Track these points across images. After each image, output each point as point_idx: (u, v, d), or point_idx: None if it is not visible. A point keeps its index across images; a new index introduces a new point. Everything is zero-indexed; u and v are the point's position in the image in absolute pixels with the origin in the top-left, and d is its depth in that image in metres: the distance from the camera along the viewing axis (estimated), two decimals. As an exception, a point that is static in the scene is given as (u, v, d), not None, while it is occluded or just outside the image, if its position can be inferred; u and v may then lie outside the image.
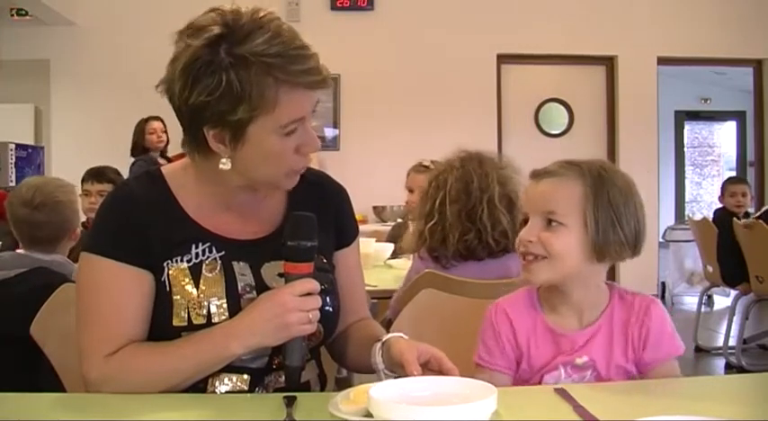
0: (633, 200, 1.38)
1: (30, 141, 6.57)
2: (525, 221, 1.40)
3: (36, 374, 1.80)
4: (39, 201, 2.32)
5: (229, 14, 1.22)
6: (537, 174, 1.42)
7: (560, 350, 1.39)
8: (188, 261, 1.30)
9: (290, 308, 1.21)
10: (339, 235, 1.49)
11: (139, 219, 1.30)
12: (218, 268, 1.31)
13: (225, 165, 1.26)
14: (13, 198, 2.37)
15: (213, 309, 1.28)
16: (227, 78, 1.18)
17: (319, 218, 1.28)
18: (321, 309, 1.26)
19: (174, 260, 1.30)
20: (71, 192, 2.44)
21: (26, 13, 6.47)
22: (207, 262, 1.31)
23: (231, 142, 1.24)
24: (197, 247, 1.32)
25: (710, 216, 5.34)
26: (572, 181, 1.37)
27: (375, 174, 6.22)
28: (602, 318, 1.40)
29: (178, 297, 1.28)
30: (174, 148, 5.47)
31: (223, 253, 1.32)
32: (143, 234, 1.29)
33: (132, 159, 5.43)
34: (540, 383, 1.38)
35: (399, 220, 4.16)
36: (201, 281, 1.29)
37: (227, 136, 1.24)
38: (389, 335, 1.34)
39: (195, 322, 1.27)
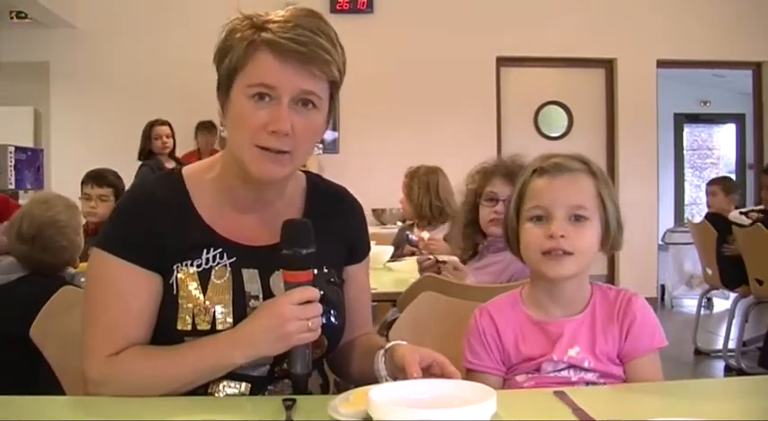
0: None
1: (29, 144, 6.58)
2: (538, 218, 1.39)
3: (35, 376, 1.80)
4: (40, 245, 2.24)
5: None
6: (551, 170, 1.42)
7: (549, 338, 1.39)
8: (198, 266, 1.30)
9: (288, 318, 1.20)
10: (351, 251, 1.47)
11: (155, 223, 1.30)
12: (227, 275, 1.31)
13: (223, 132, 1.31)
14: (12, 228, 2.27)
15: (219, 316, 1.28)
16: (230, 41, 1.27)
17: (332, 230, 1.28)
18: (327, 323, 1.26)
19: (183, 264, 1.30)
20: (76, 231, 2.35)
21: (26, 16, 6.47)
22: (216, 268, 1.31)
23: (223, 107, 1.30)
24: (208, 253, 1.31)
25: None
26: (585, 175, 1.41)
27: (375, 176, 6.22)
28: (586, 311, 1.41)
29: (184, 301, 1.28)
30: (177, 151, 5.49)
31: (234, 259, 1.32)
32: (157, 238, 1.29)
33: (139, 163, 5.40)
34: (538, 371, 1.39)
35: (399, 223, 4.16)
36: (209, 287, 1.29)
37: (222, 101, 1.30)
38: (392, 342, 1.33)
39: (199, 328, 1.27)
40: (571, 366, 1.38)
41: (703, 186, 11.25)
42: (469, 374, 1.44)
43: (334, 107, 1.34)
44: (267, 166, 1.27)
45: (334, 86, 1.31)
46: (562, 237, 1.35)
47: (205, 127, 6.23)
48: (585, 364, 1.37)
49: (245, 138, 1.26)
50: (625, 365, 1.39)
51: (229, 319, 1.28)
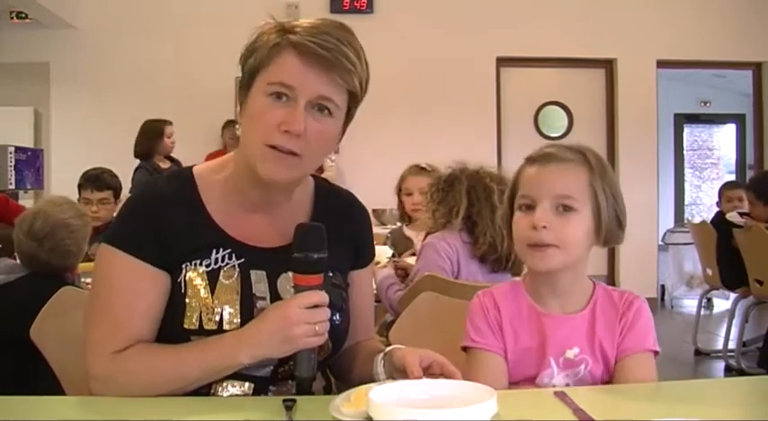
0: (619, 183, 1.42)
1: (29, 144, 6.58)
2: (527, 207, 1.37)
3: (35, 376, 1.80)
4: (48, 246, 2.26)
5: None
6: (541, 158, 1.39)
7: (544, 332, 1.38)
8: (206, 266, 1.30)
9: (294, 321, 1.20)
10: (357, 255, 1.48)
11: (164, 222, 1.30)
12: (236, 276, 1.31)
13: (238, 130, 1.32)
14: (24, 224, 2.29)
15: (225, 317, 1.28)
16: (257, 42, 1.28)
17: (340, 234, 1.28)
18: (332, 325, 1.26)
19: (192, 263, 1.30)
20: (84, 239, 2.37)
21: (26, 16, 6.47)
22: (225, 269, 1.31)
23: (242, 103, 1.30)
24: (217, 253, 1.31)
25: (710, 219, 5.34)
26: (578, 166, 1.38)
27: (375, 176, 6.21)
28: (587, 309, 1.40)
29: (192, 300, 1.28)
30: (176, 151, 5.47)
31: (242, 260, 1.32)
32: (165, 236, 1.29)
33: (137, 162, 5.35)
34: (534, 383, 1.38)
35: (398, 224, 4.15)
36: (218, 287, 1.29)
37: (242, 99, 1.30)
38: (391, 346, 1.33)
39: (206, 327, 1.27)
40: (567, 378, 1.37)
41: (703, 186, 11.34)
42: (471, 354, 1.41)
43: (349, 121, 1.35)
44: (274, 168, 1.26)
45: (354, 99, 1.32)
46: (544, 227, 1.33)
47: (233, 124, 6.13)
48: (582, 368, 1.37)
49: (258, 135, 1.26)
50: (614, 365, 1.38)
51: (236, 320, 1.28)
